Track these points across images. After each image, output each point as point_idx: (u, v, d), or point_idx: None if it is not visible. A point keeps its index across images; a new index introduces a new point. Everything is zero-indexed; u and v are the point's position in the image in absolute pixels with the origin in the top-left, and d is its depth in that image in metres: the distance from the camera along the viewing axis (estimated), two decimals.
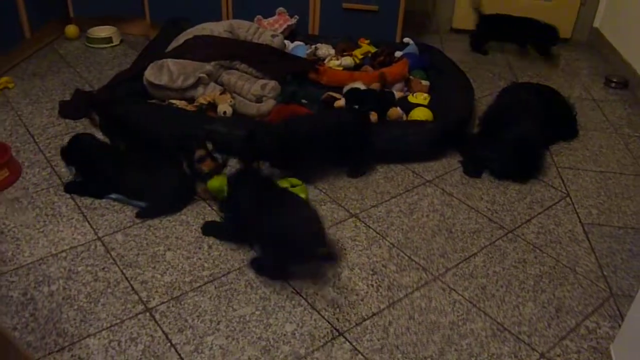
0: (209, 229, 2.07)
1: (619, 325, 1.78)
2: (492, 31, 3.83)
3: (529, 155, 2.51)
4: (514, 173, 2.49)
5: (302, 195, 2.15)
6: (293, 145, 2.25)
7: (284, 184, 2.20)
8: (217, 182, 2.14)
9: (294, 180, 2.24)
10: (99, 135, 2.51)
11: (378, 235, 2.11)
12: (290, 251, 1.82)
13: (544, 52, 3.79)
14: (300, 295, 1.82)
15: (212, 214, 2.16)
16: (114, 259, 1.93)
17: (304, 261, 1.89)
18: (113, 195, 2.20)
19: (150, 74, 2.68)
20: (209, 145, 2.19)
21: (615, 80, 3.45)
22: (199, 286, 1.84)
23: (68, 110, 2.76)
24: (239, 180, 2.00)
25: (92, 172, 2.22)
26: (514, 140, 2.48)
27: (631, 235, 2.20)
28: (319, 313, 1.76)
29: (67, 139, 2.51)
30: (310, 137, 2.29)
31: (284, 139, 2.24)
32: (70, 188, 2.23)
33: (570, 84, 3.47)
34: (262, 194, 1.93)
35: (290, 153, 2.26)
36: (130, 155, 2.30)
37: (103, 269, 1.89)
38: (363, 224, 2.16)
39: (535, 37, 3.75)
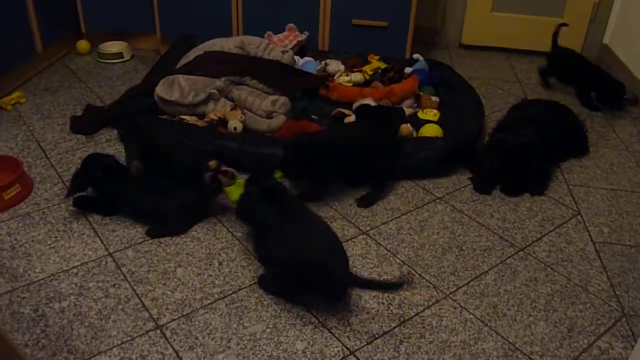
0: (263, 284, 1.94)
1: (632, 346, 1.76)
2: (557, 69, 3.57)
3: (528, 161, 2.49)
4: (514, 183, 2.50)
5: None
6: (328, 157, 2.27)
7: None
8: (236, 190, 2.10)
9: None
10: (112, 152, 2.53)
11: (388, 253, 2.10)
12: (300, 279, 1.77)
13: (611, 107, 3.37)
14: (311, 313, 1.81)
15: (222, 230, 2.16)
16: (124, 275, 1.93)
17: (316, 291, 1.83)
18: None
19: (162, 90, 2.70)
20: (219, 164, 2.17)
21: (625, 97, 3.44)
22: (210, 303, 1.84)
23: (79, 125, 2.78)
24: (256, 188, 1.95)
25: (102, 192, 2.22)
26: (513, 146, 2.51)
27: None
28: (329, 331, 1.76)
29: (78, 154, 2.55)
30: (345, 149, 2.32)
31: (320, 150, 2.27)
32: (79, 203, 2.23)
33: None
34: (279, 207, 1.87)
35: (323, 166, 2.27)
36: (142, 177, 2.28)
37: (114, 285, 1.89)
38: (374, 241, 2.16)
39: (601, 92, 3.38)
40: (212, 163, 2.13)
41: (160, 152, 2.31)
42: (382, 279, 1.97)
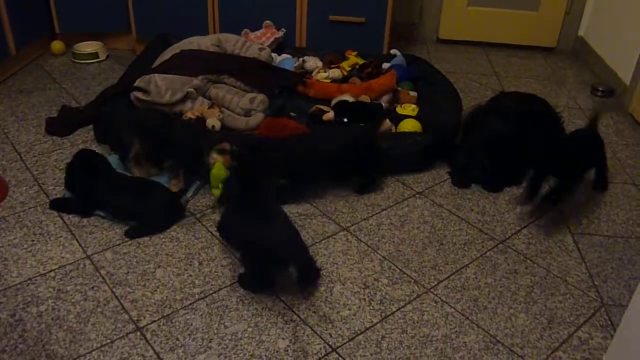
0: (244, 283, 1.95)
1: (611, 336, 1.78)
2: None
3: (499, 148, 2.50)
4: (488, 171, 2.50)
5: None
6: (306, 162, 2.30)
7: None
8: (222, 172, 2.16)
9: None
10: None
11: (369, 249, 2.10)
12: (263, 259, 1.81)
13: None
14: (293, 311, 1.81)
15: (202, 230, 2.15)
16: (103, 278, 1.91)
17: (278, 269, 1.88)
18: (101, 212, 2.18)
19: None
20: (233, 147, 2.20)
21: (601, 88, 3.48)
22: (190, 304, 1.82)
23: (55, 127, 2.74)
24: (237, 176, 1.98)
25: (84, 188, 2.19)
26: (483, 136, 2.52)
27: (621, 244, 2.20)
28: (311, 329, 1.75)
29: (54, 156, 2.52)
30: (324, 154, 2.33)
31: (296, 156, 2.29)
32: (56, 205, 2.21)
33: (556, 93, 3.50)
34: (251, 197, 1.89)
35: (301, 169, 2.30)
36: (123, 174, 2.28)
37: (92, 288, 1.87)
38: (354, 238, 2.15)
39: None
40: (225, 145, 2.19)
41: (159, 133, 2.34)
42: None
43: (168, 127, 2.39)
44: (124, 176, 2.29)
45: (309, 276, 1.90)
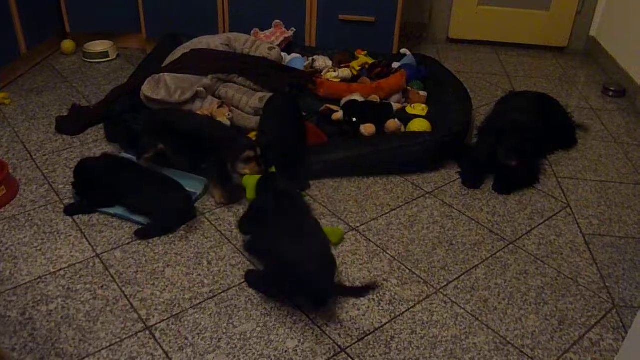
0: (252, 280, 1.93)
1: (623, 338, 1.77)
2: None
3: (517, 143, 2.41)
4: (504, 177, 2.48)
5: (333, 241, 2.09)
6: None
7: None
8: (253, 180, 2.06)
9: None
10: (98, 152, 2.50)
11: (378, 249, 2.10)
12: (291, 281, 1.74)
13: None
14: (301, 311, 1.80)
15: (211, 229, 2.15)
16: (112, 277, 1.91)
17: (299, 288, 1.79)
18: (111, 211, 2.18)
19: (148, 89, 2.68)
20: (258, 151, 2.18)
21: (612, 88, 3.45)
22: (199, 303, 1.82)
23: (65, 126, 2.75)
24: (267, 187, 1.98)
25: (97, 185, 2.20)
26: (500, 129, 2.48)
27: (633, 245, 2.19)
28: (320, 329, 1.75)
29: (64, 155, 2.54)
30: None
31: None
32: (70, 210, 2.21)
33: (567, 93, 3.47)
34: (284, 210, 1.86)
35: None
36: (141, 170, 2.28)
37: (102, 286, 1.87)
38: (363, 237, 2.15)
39: None
40: (249, 153, 2.16)
41: (187, 130, 2.33)
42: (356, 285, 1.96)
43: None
44: (147, 171, 2.29)
45: (325, 301, 1.84)
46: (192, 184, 2.32)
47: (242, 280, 1.91)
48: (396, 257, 2.06)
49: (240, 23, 3.48)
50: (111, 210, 2.18)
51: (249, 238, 2.06)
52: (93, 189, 2.22)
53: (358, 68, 3.17)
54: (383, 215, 2.28)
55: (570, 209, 2.38)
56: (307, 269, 1.68)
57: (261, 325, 1.75)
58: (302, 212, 1.91)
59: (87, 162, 2.23)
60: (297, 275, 1.69)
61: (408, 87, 3.02)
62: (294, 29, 3.46)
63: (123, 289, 1.87)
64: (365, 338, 1.72)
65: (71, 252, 2.02)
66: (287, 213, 1.86)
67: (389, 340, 1.72)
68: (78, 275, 1.91)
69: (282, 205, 1.87)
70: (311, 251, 1.73)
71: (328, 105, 2.76)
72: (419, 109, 2.85)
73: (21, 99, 3.06)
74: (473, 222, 2.27)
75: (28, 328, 1.71)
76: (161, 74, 2.73)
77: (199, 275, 1.94)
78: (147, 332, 1.71)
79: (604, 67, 3.83)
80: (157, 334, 1.71)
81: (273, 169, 2.11)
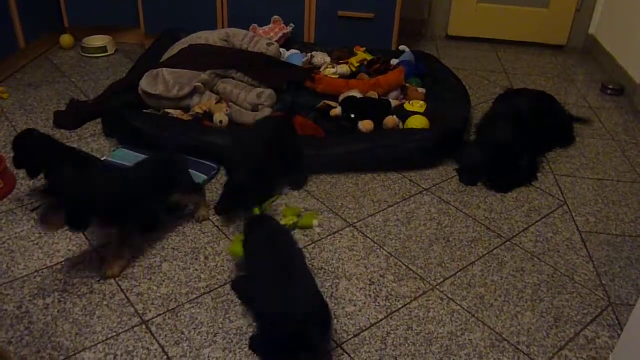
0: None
1: (618, 335, 1.77)
2: None
3: (503, 159, 2.48)
4: (500, 178, 2.49)
5: (312, 221, 2.03)
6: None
7: (288, 214, 2.12)
8: (238, 247, 1.82)
9: (296, 209, 2.16)
10: (96, 146, 2.50)
11: (375, 245, 2.10)
12: (277, 336, 1.51)
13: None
14: None
15: (208, 224, 2.15)
16: None
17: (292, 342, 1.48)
18: None
19: (146, 84, 2.68)
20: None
21: (611, 86, 3.45)
22: (196, 298, 1.83)
23: (63, 120, 2.75)
24: (252, 231, 1.77)
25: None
26: (487, 144, 2.54)
27: (629, 243, 2.19)
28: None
29: None
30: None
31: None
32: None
33: (566, 90, 3.48)
34: (269, 253, 1.67)
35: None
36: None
37: (98, 280, 1.87)
38: (360, 233, 2.15)
39: None
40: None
41: None
42: None
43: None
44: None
45: (317, 347, 1.55)
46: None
47: (239, 276, 1.91)
48: (393, 253, 2.06)
49: (238, 18, 3.48)
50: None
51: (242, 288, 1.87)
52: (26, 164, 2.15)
53: (356, 64, 3.17)
54: (380, 211, 2.28)
55: (567, 206, 2.39)
56: (300, 328, 1.46)
57: None
58: (288, 255, 1.69)
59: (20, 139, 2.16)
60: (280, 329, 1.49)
61: (406, 84, 3.02)
62: (293, 25, 3.46)
63: (119, 283, 1.87)
64: (361, 334, 1.73)
65: (68, 246, 2.02)
66: (272, 256, 1.66)
67: (384, 336, 1.72)
68: (75, 269, 1.91)
69: (266, 248, 1.69)
70: (296, 298, 1.51)
71: (326, 101, 2.76)
72: (417, 105, 2.85)
73: (19, 93, 3.06)
74: (470, 218, 2.27)
75: (24, 321, 1.71)
76: (159, 69, 2.73)
77: (196, 270, 1.94)
78: (144, 326, 1.71)
79: (602, 65, 3.83)
80: (153, 328, 1.71)
81: (256, 210, 1.89)
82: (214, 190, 2.33)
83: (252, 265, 1.73)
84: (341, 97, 2.78)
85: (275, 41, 3.23)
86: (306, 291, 1.55)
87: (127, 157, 2.45)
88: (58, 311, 1.75)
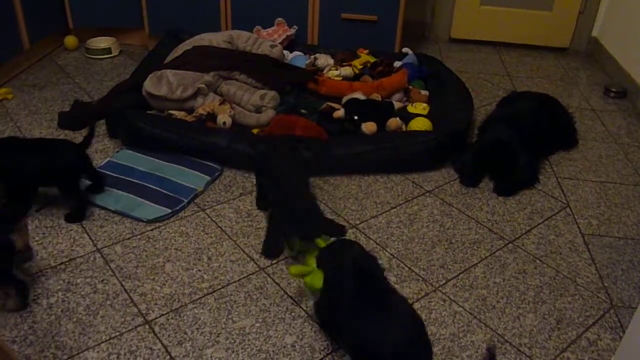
0: None
1: (620, 337, 1.77)
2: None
3: (495, 159, 2.50)
4: (503, 181, 2.50)
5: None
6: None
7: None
8: (316, 280, 1.69)
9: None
10: (100, 147, 2.50)
11: (378, 246, 2.10)
12: None
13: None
14: (300, 307, 1.81)
15: (211, 225, 2.16)
16: (112, 271, 1.92)
17: None
18: (112, 207, 2.19)
19: (150, 85, 2.69)
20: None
21: (614, 89, 3.45)
22: (199, 298, 1.83)
23: (67, 121, 2.76)
24: (349, 272, 1.60)
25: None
26: (477, 146, 2.58)
27: (632, 246, 2.19)
28: (318, 325, 1.75)
29: None
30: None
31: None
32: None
33: (569, 93, 3.48)
34: (369, 293, 1.56)
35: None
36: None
37: (102, 280, 1.88)
38: (363, 235, 2.15)
39: None
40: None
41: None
42: None
43: None
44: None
45: None
46: (192, 180, 2.34)
47: (242, 276, 1.92)
48: (395, 255, 2.07)
49: (242, 21, 3.49)
50: (111, 206, 2.19)
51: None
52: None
53: (360, 66, 3.17)
54: (383, 213, 2.29)
55: (570, 209, 2.39)
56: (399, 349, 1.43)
57: (260, 320, 1.76)
58: (386, 292, 1.61)
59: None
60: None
61: (409, 86, 3.02)
62: (296, 27, 3.47)
63: (123, 283, 1.88)
64: None
65: (72, 246, 2.02)
66: (370, 295, 1.56)
67: None
68: (78, 269, 1.92)
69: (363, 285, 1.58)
70: (402, 333, 1.48)
71: (329, 103, 2.77)
72: (420, 108, 2.86)
73: (24, 94, 3.07)
74: (472, 221, 2.28)
75: (28, 321, 1.72)
76: (163, 71, 2.74)
77: (199, 270, 1.94)
78: (147, 326, 1.72)
79: (605, 68, 3.83)
80: (157, 328, 1.71)
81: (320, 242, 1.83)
82: (217, 191, 2.34)
83: (345, 297, 1.57)
84: (344, 99, 2.78)
85: (279, 43, 3.23)
86: (405, 322, 1.51)
87: (131, 159, 2.46)
88: (62, 311, 1.76)
